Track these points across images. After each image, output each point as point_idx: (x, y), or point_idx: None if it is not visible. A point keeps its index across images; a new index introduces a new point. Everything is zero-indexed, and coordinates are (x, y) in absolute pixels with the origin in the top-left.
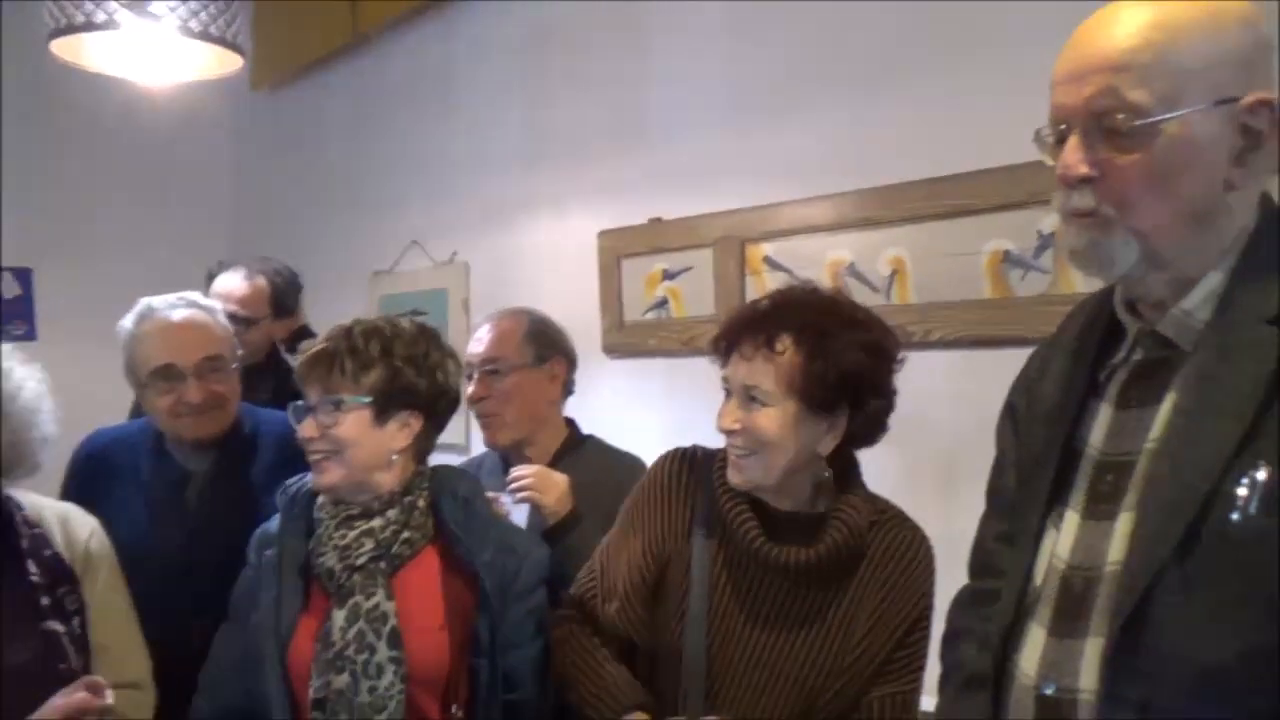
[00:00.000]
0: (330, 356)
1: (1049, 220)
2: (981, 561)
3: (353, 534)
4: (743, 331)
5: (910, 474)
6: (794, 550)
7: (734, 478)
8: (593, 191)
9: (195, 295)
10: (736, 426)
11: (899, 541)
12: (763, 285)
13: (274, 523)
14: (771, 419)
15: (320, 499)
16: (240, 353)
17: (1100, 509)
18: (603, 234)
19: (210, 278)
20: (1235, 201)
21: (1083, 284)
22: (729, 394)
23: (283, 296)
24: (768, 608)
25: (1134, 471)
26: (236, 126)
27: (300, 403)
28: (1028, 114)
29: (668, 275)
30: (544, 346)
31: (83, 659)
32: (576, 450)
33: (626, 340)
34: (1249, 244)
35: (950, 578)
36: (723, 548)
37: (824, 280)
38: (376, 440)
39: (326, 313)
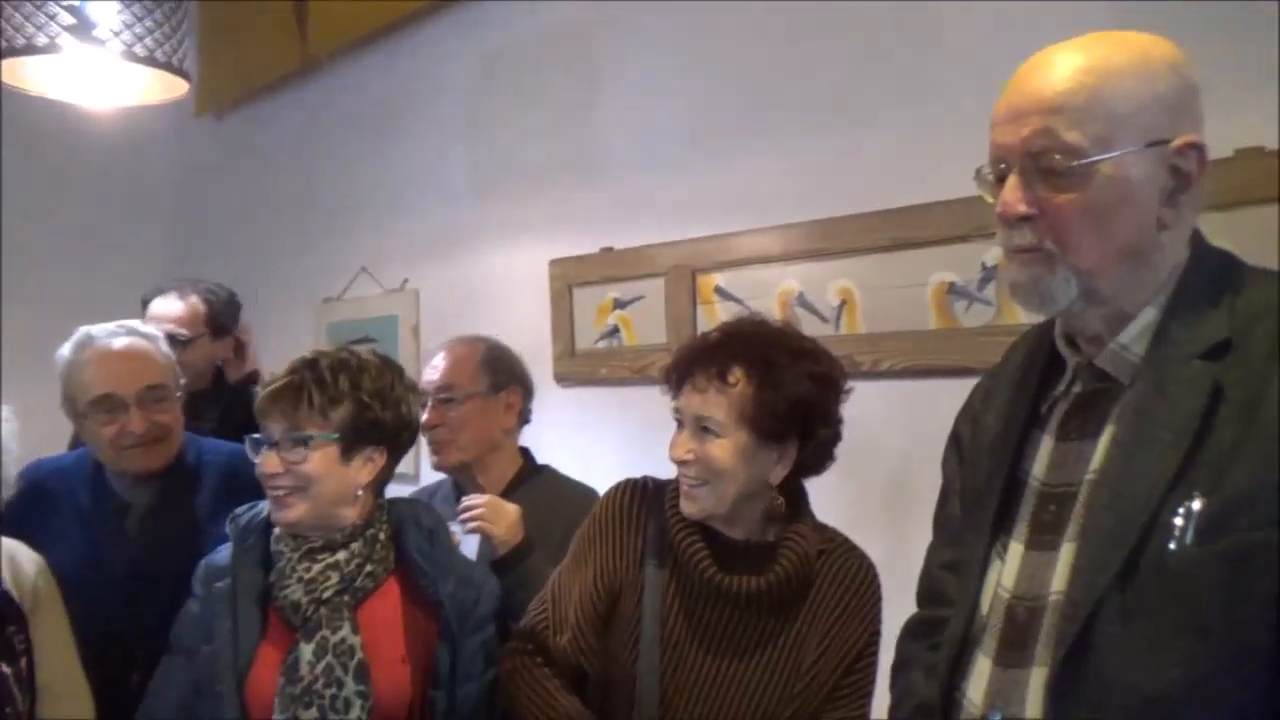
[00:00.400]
0: (296, 390)
1: (992, 253)
2: (929, 590)
3: (317, 567)
4: (694, 363)
5: (861, 501)
6: (745, 579)
7: (687, 508)
8: (544, 220)
9: (135, 323)
10: (689, 457)
11: (847, 569)
12: (714, 315)
13: (223, 554)
14: (724, 449)
15: (278, 530)
16: (182, 380)
17: (1043, 539)
18: (554, 262)
19: (146, 304)
20: (1167, 240)
21: (1025, 315)
22: (681, 425)
23: (219, 315)
24: (720, 635)
25: (1075, 502)
26: (180, 152)
27: (258, 436)
28: (970, 151)
29: (619, 304)
30: (499, 374)
31: (28, 700)
32: (531, 480)
33: (578, 368)
34: (1180, 281)
35: (900, 605)
36: (674, 577)
37: (774, 310)
38: (342, 476)
39: (274, 340)
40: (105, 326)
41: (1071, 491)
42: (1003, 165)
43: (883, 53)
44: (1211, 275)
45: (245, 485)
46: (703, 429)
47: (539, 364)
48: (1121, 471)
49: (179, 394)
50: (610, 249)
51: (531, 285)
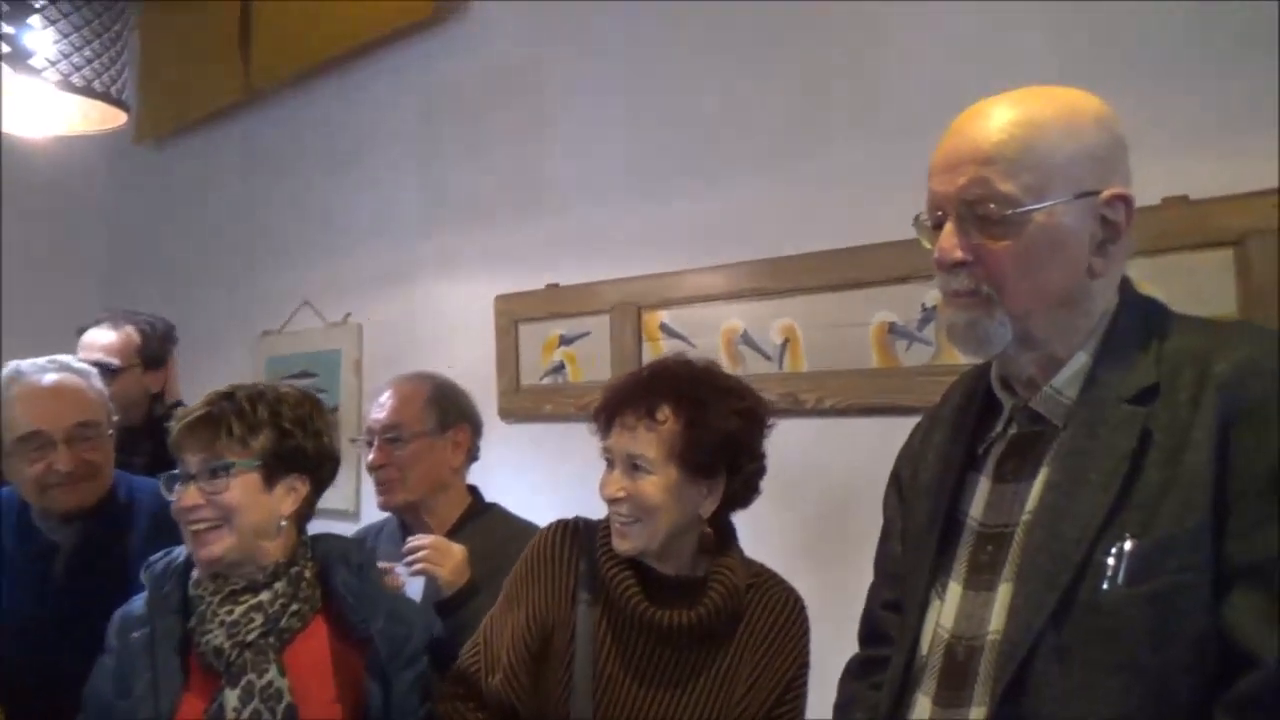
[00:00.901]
0: (214, 420)
1: (931, 295)
2: (870, 630)
3: (240, 609)
4: (623, 403)
5: (803, 536)
6: (675, 613)
7: (620, 545)
8: (490, 255)
9: (68, 358)
10: (621, 494)
11: (775, 602)
12: (659, 351)
13: (138, 603)
14: (655, 486)
15: (195, 575)
16: (115, 417)
17: (981, 579)
18: (500, 298)
19: (80, 335)
20: (1098, 287)
21: (964, 357)
22: (610, 464)
23: (152, 346)
24: (652, 670)
25: (1011, 543)
26: (119, 179)
27: (174, 472)
28: (911, 194)
29: (565, 340)
30: (447, 413)
31: None
32: (478, 519)
33: (523, 405)
34: (1110, 327)
35: (843, 638)
36: (606, 613)
37: (719, 347)
38: (265, 505)
39: (212, 374)
40: (35, 362)
41: (1008, 532)
42: (940, 213)
43: (826, 96)
44: (1139, 322)
45: (174, 525)
46: (633, 467)
47: (483, 400)
48: (1056, 513)
49: (111, 431)
50: (556, 285)
51: (477, 321)
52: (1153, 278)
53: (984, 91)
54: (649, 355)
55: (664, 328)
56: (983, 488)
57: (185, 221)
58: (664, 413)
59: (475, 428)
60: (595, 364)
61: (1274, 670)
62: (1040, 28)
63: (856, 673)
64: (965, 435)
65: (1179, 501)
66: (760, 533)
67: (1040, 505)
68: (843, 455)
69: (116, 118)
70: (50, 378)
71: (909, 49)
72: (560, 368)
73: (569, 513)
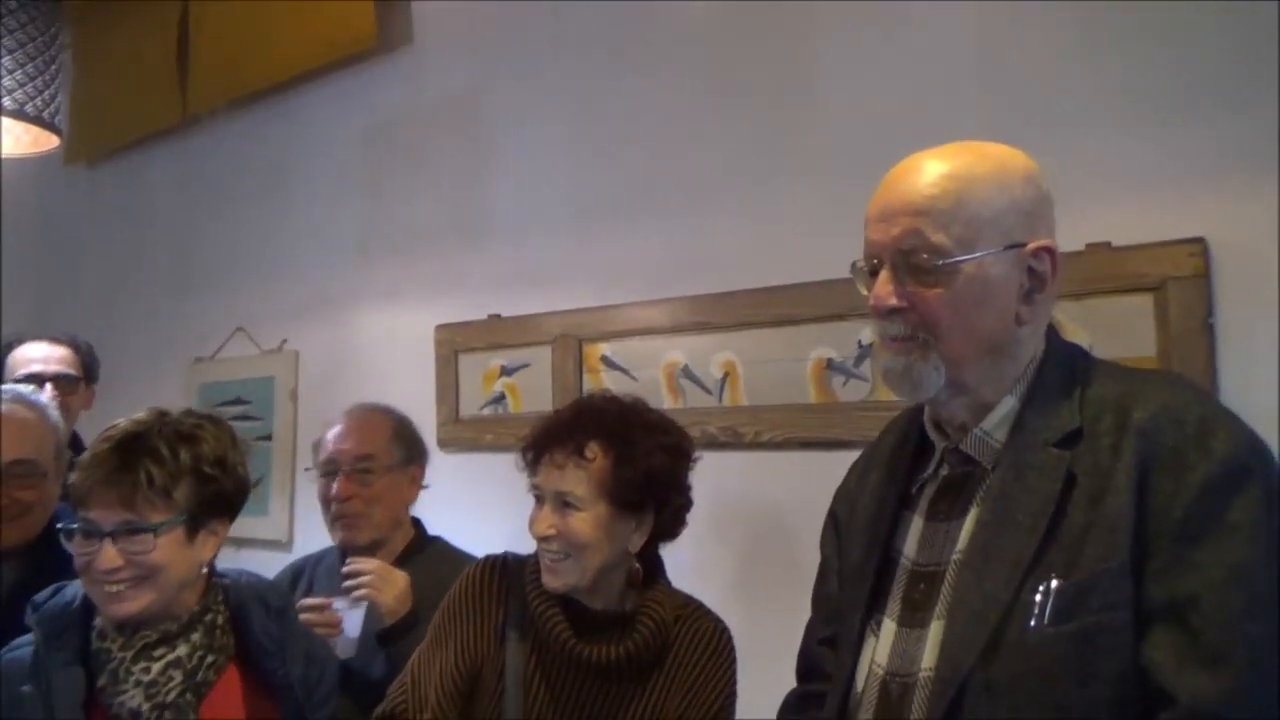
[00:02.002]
0: (131, 472)
1: (867, 332)
2: (807, 666)
3: (157, 666)
4: (551, 441)
5: (738, 568)
6: (604, 647)
7: (551, 582)
8: (430, 285)
9: (25, 389)
10: (552, 532)
11: (702, 634)
12: (600, 384)
13: (23, 650)
14: (585, 522)
15: (98, 623)
16: (68, 456)
17: (914, 617)
18: (440, 327)
19: (7, 351)
20: (1025, 334)
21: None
22: (539, 500)
23: (90, 362)
24: (582, 704)
25: (943, 581)
26: (43, 201)
27: (75, 524)
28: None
29: (506, 371)
30: (409, 448)
31: None
32: (422, 551)
33: (462, 435)
34: (1037, 373)
35: (772, 669)
36: (535, 649)
37: (660, 380)
38: (188, 558)
39: (140, 400)
40: None
41: (940, 571)
42: (875, 260)
43: (768, 137)
44: (1065, 368)
45: None
46: (564, 504)
47: (422, 429)
48: (985, 553)
49: (59, 468)
50: (498, 316)
51: (416, 350)
52: (1076, 319)
53: (917, 136)
54: (589, 387)
55: (605, 360)
56: (916, 526)
57: (117, 244)
58: (592, 450)
59: (425, 462)
60: (536, 395)
61: (1188, 708)
62: (970, 76)
63: (794, 707)
64: (900, 475)
65: (1101, 543)
66: (697, 564)
67: (970, 545)
68: (780, 488)
69: (49, 141)
70: None
71: (852, 94)
72: (501, 398)
73: (507, 543)
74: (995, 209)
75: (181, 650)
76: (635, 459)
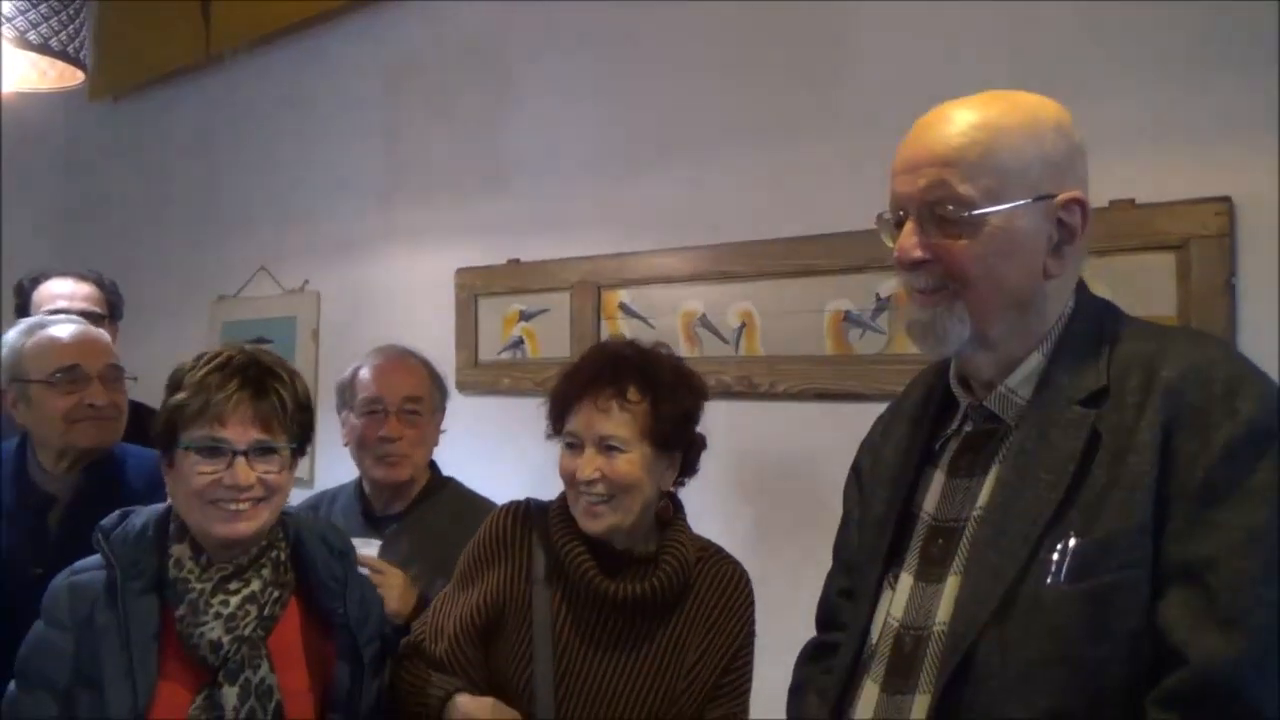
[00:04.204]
0: (265, 396)
1: (886, 285)
2: (825, 616)
3: (235, 600)
4: (589, 386)
5: (753, 516)
6: (629, 584)
7: (593, 525)
8: (451, 228)
9: (77, 318)
10: (597, 475)
11: (723, 575)
12: (617, 331)
13: (92, 577)
14: (631, 463)
15: (175, 552)
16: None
17: (931, 571)
18: (460, 271)
19: (21, 291)
20: (1053, 289)
21: (914, 345)
22: (574, 446)
23: (114, 300)
24: (608, 640)
25: (961, 537)
26: (70, 136)
27: (213, 444)
28: (868, 186)
29: (525, 316)
30: (442, 393)
31: None
32: (436, 494)
33: (480, 378)
34: (1065, 329)
35: (785, 615)
36: (561, 589)
37: (677, 329)
38: (289, 486)
39: (164, 338)
40: (55, 316)
41: (959, 526)
42: (901, 212)
43: (792, 87)
44: (1093, 325)
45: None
46: (607, 447)
47: (441, 372)
48: (1004, 510)
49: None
50: (517, 261)
51: (436, 293)
52: (1097, 276)
53: (943, 91)
54: (607, 334)
55: (623, 307)
56: (937, 482)
57: (141, 182)
58: (633, 393)
59: (444, 409)
60: (554, 341)
61: (1200, 669)
62: (998, 31)
63: (810, 656)
64: (924, 431)
65: (1121, 502)
66: (710, 512)
67: (990, 502)
68: (794, 439)
69: (73, 76)
70: (77, 326)
71: (875, 44)
72: (519, 343)
73: (524, 485)
74: (1024, 160)
75: (255, 585)
76: (671, 400)
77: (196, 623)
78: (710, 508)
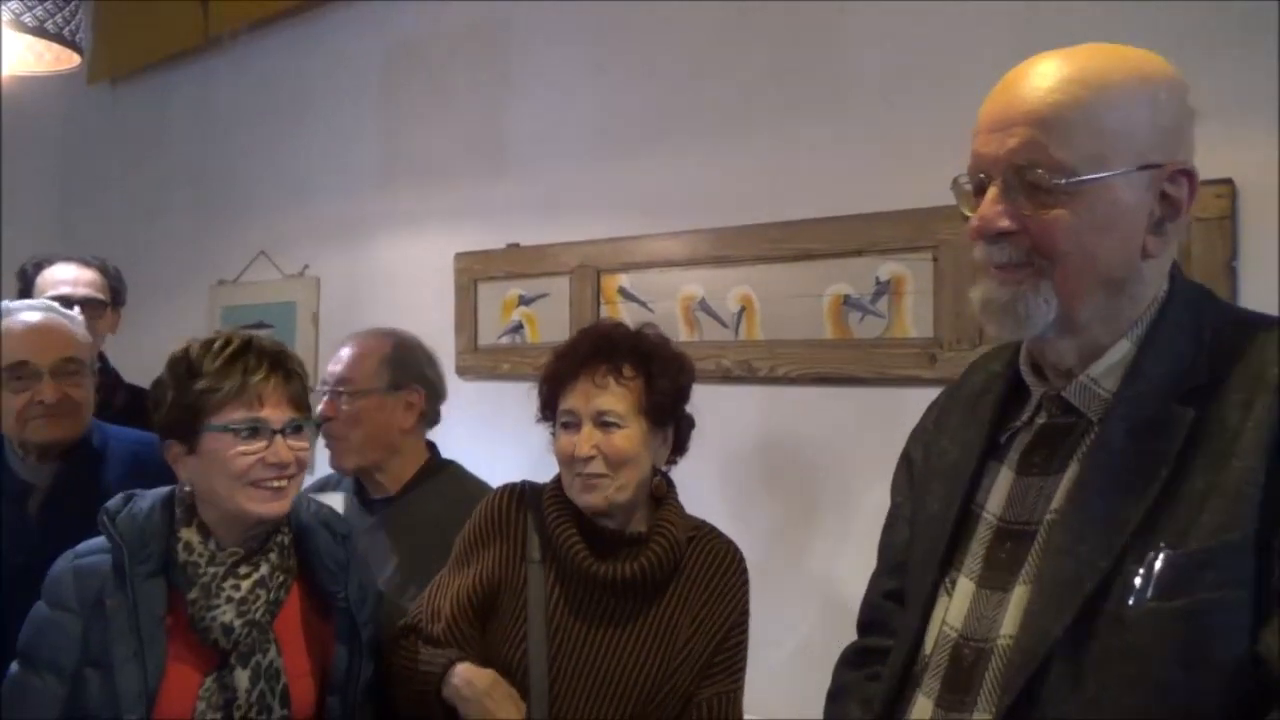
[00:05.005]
0: (289, 375)
1: (885, 268)
2: (869, 619)
3: (246, 584)
4: (584, 364)
5: (750, 498)
6: (620, 565)
7: (591, 500)
8: (450, 213)
9: (51, 302)
10: (594, 452)
11: (715, 554)
12: (617, 315)
13: (100, 561)
14: (628, 439)
15: (185, 538)
16: (97, 365)
17: (996, 578)
18: (460, 256)
19: (23, 276)
20: (1150, 269)
21: (915, 329)
22: (570, 425)
23: (117, 286)
24: (601, 620)
25: (1033, 542)
26: (68, 120)
27: (249, 424)
28: (866, 170)
29: (524, 300)
30: (402, 373)
31: None
32: (433, 476)
33: (480, 363)
34: (1159, 315)
35: (787, 596)
36: (554, 570)
37: (677, 313)
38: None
39: (165, 323)
40: (21, 303)
41: (1030, 530)
42: (983, 176)
43: (790, 69)
44: (1190, 312)
45: (149, 474)
46: (604, 423)
47: (441, 357)
48: (1085, 514)
49: (93, 374)
50: (517, 245)
51: (436, 278)
52: None
53: (944, 74)
54: (606, 318)
55: (623, 291)
56: (1004, 479)
57: (140, 166)
58: (628, 370)
59: (433, 390)
60: (554, 325)
61: None
62: (999, 14)
63: (853, 662)
64: (987, 421)
65: (1222, 512)
66: (708, 495)
67: (1068, 504)
68: (794, 423)
69: (70, 59)
70: (37, 315)
71: (875, 26)
72: (519, 328)
73: (523, 468)
74: (1131, 122)
75: (264, 569)
76: (664, 377)
77: (209, 606)
78: (710, 491)
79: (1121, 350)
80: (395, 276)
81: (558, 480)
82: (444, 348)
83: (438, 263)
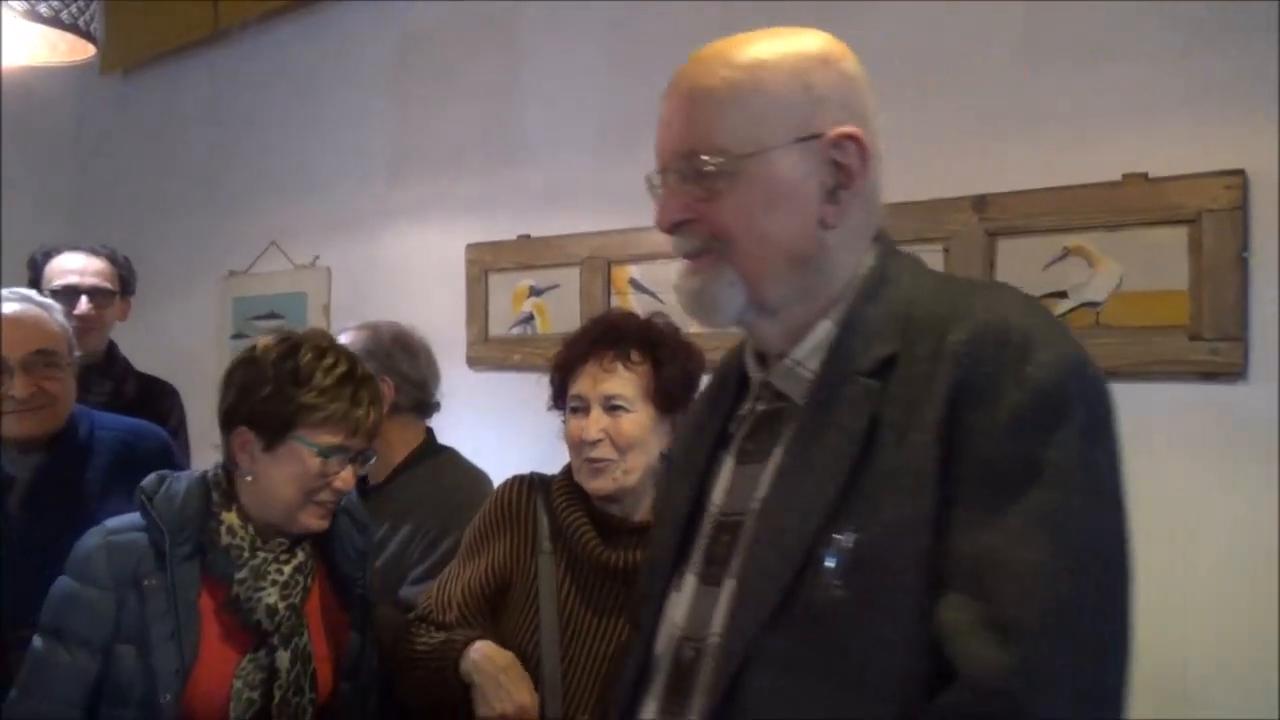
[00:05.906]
0: (368, 407)
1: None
2: (630, 618)
3: (288, 569)
4: (594, 349)
5: None
6: (627, 554)
7: (600, 484)
8: (461, 204)
9: (29, 291)
10: (601, 436)
11: None
12: (628, 306)
13: (135, 539)
14: (635, 423)
15: (229, 521)
16: (77, 353)
17: (712, 573)
18: (471, 247)
19: (33, 265)
20: (835, 241)
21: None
22: (579, 410)
23: (126, 275)
24: (611, 606)
25: (742, 533)
26: (81, 110)
27: (333, 447)
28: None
29: (535, 291)
30: (373, 364)
31: None
32: (425, 460)
33: (491, 354)
34: (860, 291)
35: None
36: (564, 558)
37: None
38: None
39: (176, 313)
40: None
41: (740, 520)
42: (664, 171)
43: None
44: (893, 284)
45: (139, 463)
46: (612, 407)
47: (452, 348)
48: (783, 502)
49: (70, 364)
50: (528, 236)
51: (447, 268)
52: (1108, 251)
53: (951, 70)
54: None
55: (633, 282)
56: (727, 470)
57: (152, 156)
58: (636, 355)
59: (409, 381)
60: (564, 316)
61: (971, 685)
62: (1010, 7)
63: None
64: (720, 412)
65: (903, 490)
66: None
67: (770, 492)
68: None
69: (84, 50)
70: (9, 307)
71: (885, 17)
72: (530, 318)
73: (534, 459)
74: (782, 98)
75: (300, 555)
76: (673, 362)
77: (256, 588)
78: None
79: (822, 330)
80: (406, 267)
81: (567, 470)
82: (455, 338)
83: (449, 253)
